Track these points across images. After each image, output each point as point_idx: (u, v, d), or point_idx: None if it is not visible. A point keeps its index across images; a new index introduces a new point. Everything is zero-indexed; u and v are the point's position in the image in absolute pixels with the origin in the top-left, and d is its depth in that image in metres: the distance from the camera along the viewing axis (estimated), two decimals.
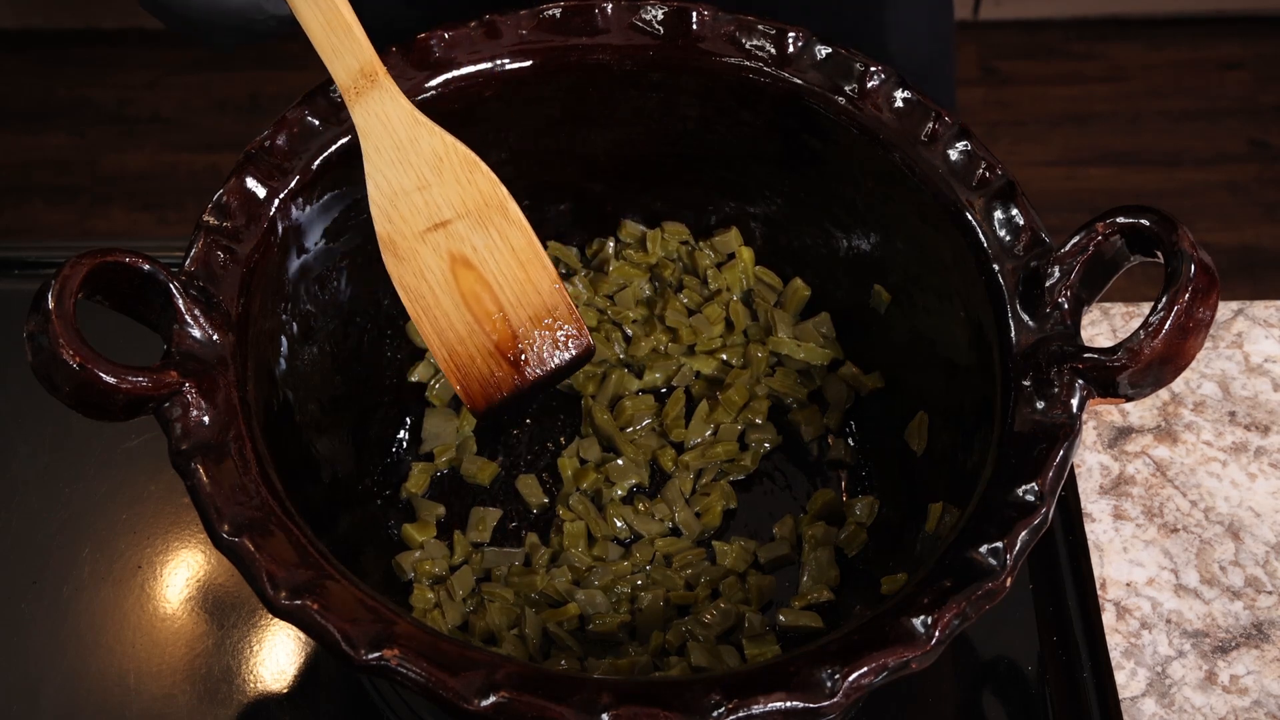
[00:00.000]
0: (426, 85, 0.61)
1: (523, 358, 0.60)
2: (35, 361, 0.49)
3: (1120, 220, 0.53)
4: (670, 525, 0.66)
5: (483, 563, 0.65)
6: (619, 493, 0.67)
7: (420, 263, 0.57)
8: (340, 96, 0.58)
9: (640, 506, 0.66)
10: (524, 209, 0.68)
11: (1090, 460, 0.71)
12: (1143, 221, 0.52)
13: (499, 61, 0.62)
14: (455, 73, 0.62)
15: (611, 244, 0.72)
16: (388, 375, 0.68)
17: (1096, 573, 0.67)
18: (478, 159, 0.58)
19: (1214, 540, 0.69)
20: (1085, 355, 0.52)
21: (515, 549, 0.65)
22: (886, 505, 0.65)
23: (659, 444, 0.68)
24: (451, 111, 0.61)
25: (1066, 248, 0.54)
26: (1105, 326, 0.76)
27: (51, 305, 0.48)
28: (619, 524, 0.66)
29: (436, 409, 0.69)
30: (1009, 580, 0.48)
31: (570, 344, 0.61)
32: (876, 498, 0.65)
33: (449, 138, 0.57)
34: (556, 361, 0.61)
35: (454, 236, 0.57)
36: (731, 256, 0.71)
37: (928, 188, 0.59)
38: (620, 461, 0.67)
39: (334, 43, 0.54)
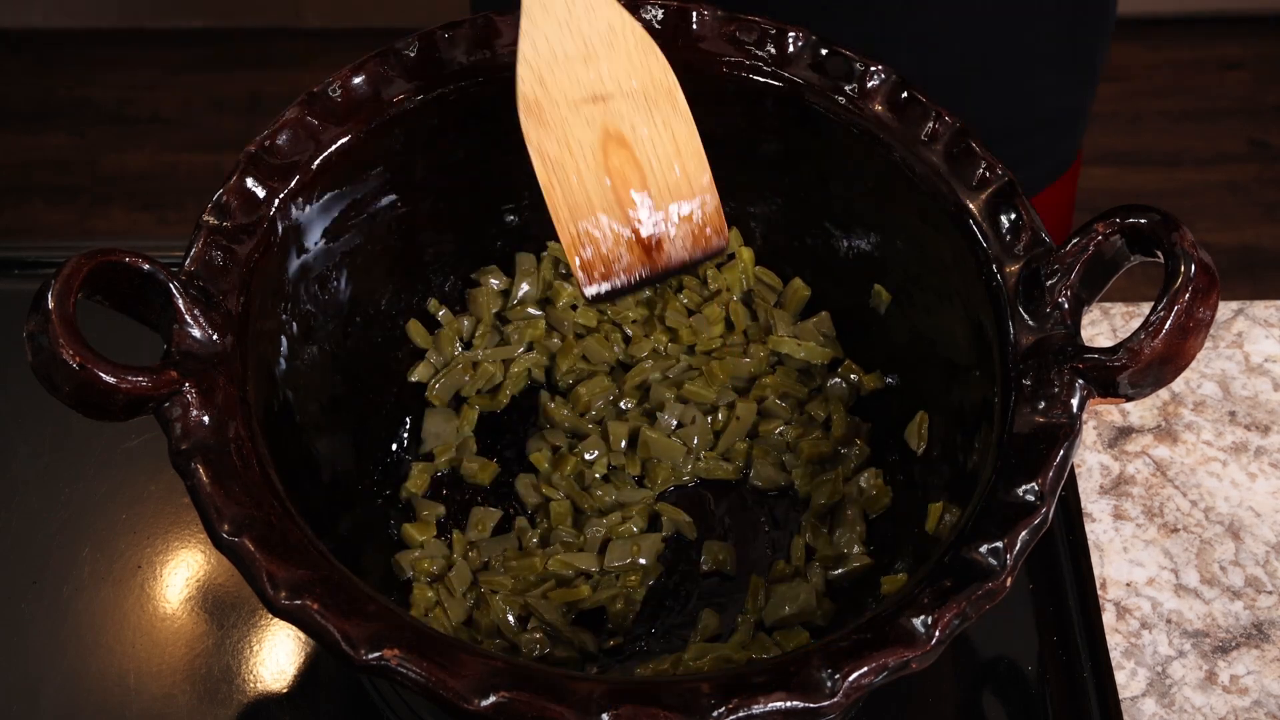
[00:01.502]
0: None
1: (657, 245, 0.58)
2: (35, 361, 0.49)
3: (1120, 220, 0.53)
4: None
5: (479, 557, 0.64)
6: (598, 474, 0.66)
7: (567, 132, 0.55)
8: None
9: (622, 474, 0.66)
10: (525, 208, 0.69)
11: (1090, 460, 0.71)
12: (1143, 221, 0.52)
13: (500, 60, 0.62)
14: (455, 71, 0.62)
15: None
16: (388, 375, 0.68)
17: (1096, 573, 0.67)
18: (654, 43, 0.55)
19: (1214, 540, 0.69)
20: (1085, 355, 0.52)
21: (505, 535, 0.65)
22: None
23: (622, 413, 0.68)
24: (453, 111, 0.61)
25: (1066, 248, 0.54)
26: (1105, 326, 0.76)
27: (51, 305, 0.48)
28: (599, 494, 0.66)
29: (436, 409, 0.69)
30: (1009, 580, 0.48)
31: (710, 241, 0.58)
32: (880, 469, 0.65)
33: (627, 14, 0.55)
34: (691, 256, 0.58)
35: (613, 113, 0.55)
36: (731, 256, 0.71)
37: (928, 188, 0.59)
38: (587, 438, 0.67)
39: None
